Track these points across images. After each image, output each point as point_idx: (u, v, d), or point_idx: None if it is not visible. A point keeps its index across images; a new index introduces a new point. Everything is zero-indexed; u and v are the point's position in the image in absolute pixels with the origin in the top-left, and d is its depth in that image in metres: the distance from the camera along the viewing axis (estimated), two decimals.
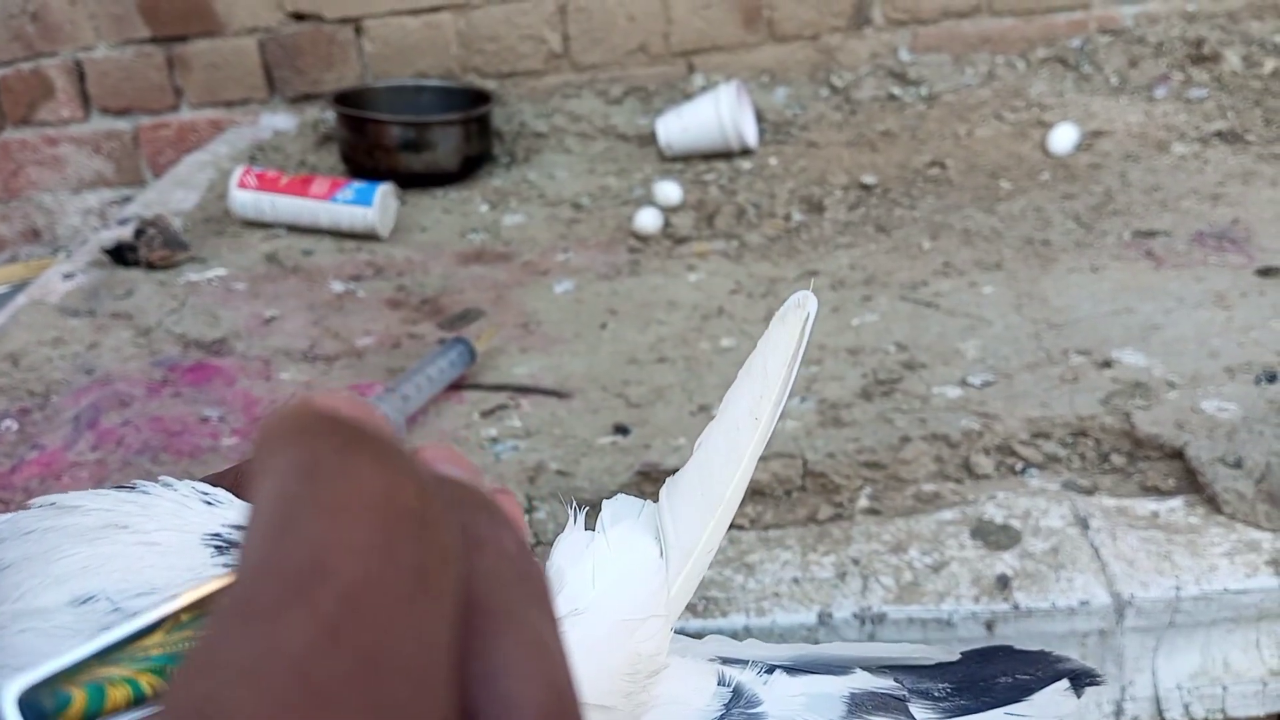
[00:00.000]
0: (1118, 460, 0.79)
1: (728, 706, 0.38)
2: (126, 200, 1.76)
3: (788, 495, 0.78)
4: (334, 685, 0.15)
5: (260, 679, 0.14)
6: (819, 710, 0.38)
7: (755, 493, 0.78)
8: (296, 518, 0.16)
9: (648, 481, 0.80)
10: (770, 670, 0.42)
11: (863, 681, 0.42)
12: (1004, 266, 1.11)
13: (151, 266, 1.27)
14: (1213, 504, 0.72)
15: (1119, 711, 0.69)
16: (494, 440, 0.88)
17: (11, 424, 0.95)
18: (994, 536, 0.72)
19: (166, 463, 0.89)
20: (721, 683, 0.40)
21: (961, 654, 0.48)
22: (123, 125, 1.83)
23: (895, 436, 0.81)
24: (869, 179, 1.39)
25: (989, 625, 0.68)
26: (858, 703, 0.39)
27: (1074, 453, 0.80)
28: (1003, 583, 0.69)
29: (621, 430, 0.87)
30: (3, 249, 1.90)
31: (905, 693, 0.40)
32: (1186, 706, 0.68)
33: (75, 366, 1.06)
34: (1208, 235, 1.11)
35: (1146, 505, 0.73)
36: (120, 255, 1.27)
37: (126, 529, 0.28)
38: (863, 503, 0.77)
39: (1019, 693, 0.40)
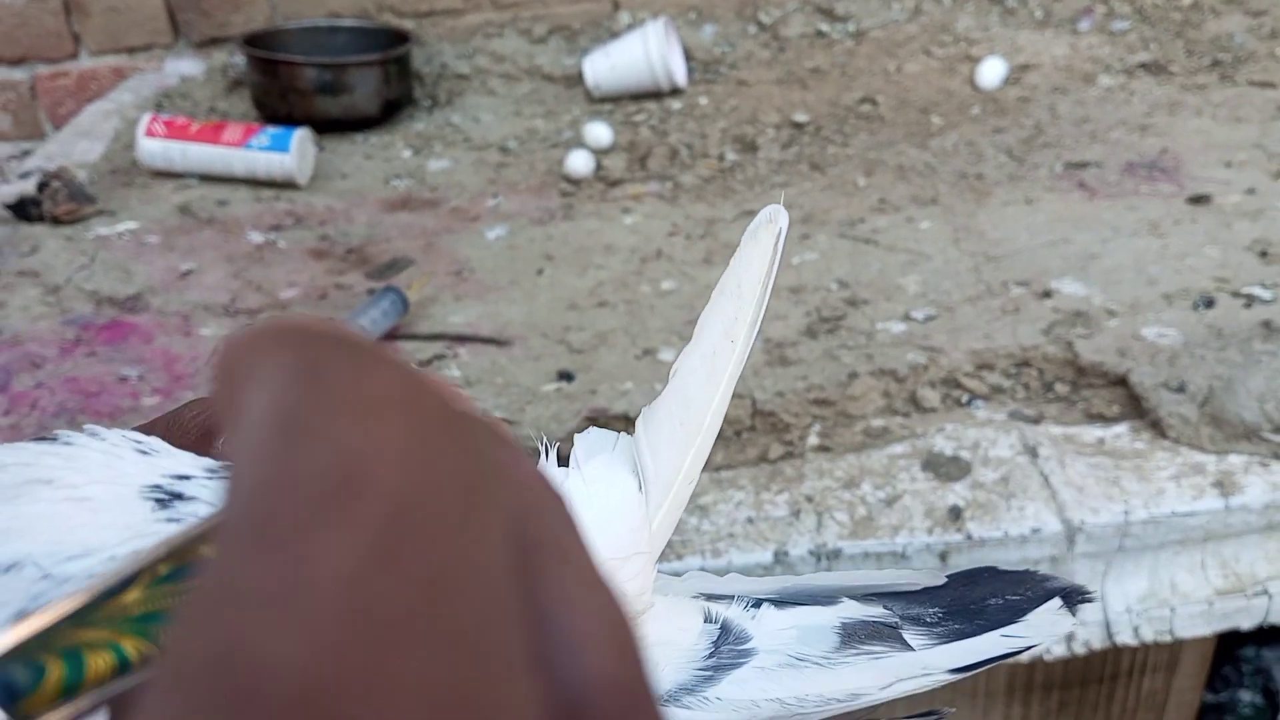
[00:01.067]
0: (1062, 389, 0.79)
1: (716, 644, 0.36)
2: (26, 154, 1.66)
3: (738, 436, 0.77)
4: (394, 614, 0.12)
5: (299, 612, 0.12)
6: (811, 642, 0.37)
7: None
8: (310, 422, 0.13)
9: (597, 427, 0.78)
10: (757, 604, 0.40)
11: (852, 610, 0.41)
12: (940, 201, 1.11)
13: (57, 221, 1.20)
14: (1158, 429, 0.73)
15: (1069, 636, 0.70)
16: None
17: None
18: (944, 468, 0.72)
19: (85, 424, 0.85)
20: (708, 619, 0.38)
21: (948, 577, 0.47)
22: (18, 75, 1.72)
23: (842, 373, 0.80)
24: (801, 117, 1.37)
25: (943, 556, 0.68)
26: (850, 632, 0.38)
27: (1018, 383, 0.80)
28: (955, 514, 0.69)
29: (566, 376, 0.85)
30: None
31: (897, 619, 0.39)
32: (1136, 629, 0.69)
33: None
34: (1138, 165, 1.12)
35: (1093, 432, 0.74)
36: (23, 210, 1.20)
37: (50, 484, 0.25)
38: (813, 440, 0.76)
39: (1012, 614, 0.39)
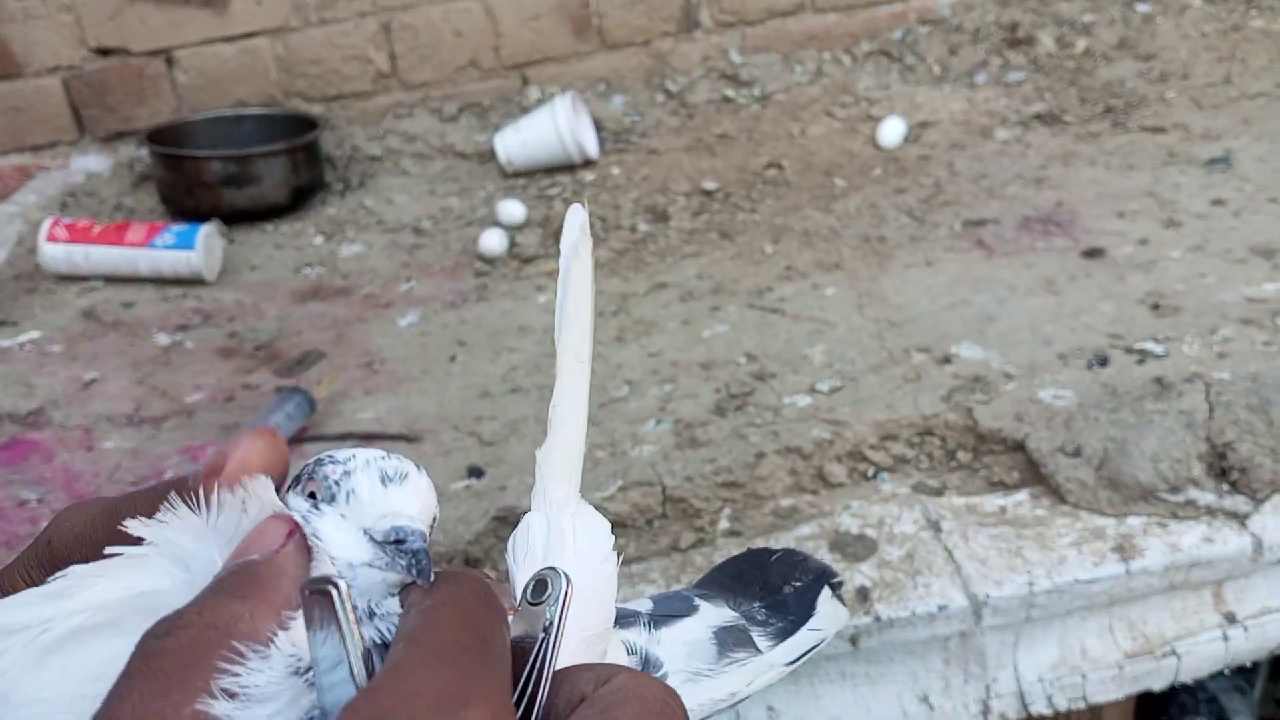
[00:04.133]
0: (963, 457, 0.80)
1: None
2: None
3: (649, 525, 0.77)
4: None
5: None
6: (700, 656, 0.43)
7: (616, 524, 0.76)
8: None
9: (505, 526, 0.77)
10: (650, 624, 0.46)
11: (714, 617, 0.47)
12: (844, 266, 1.12)
13: None
14: (1057, 494, 0.74)
15: (985, 710, 0.70)
16: None
17: None
18: (851, 548, 0.72)
19: None
20: (630, 651, 0.44)
21: (728, 562, 0.54)
22: None
23: (750, 453, 0.81)
24: (710, 184, 1.39)
25: (853, 640, 0.68)
26: (721, 641, 0.44)
27: (921, 452, 0.81)
28: (863, 595, 0.69)
29: (476, 473, 0.84)
30: None
31: (744, 622, 0.46)
32: (1050, 698, 0.70)
33: None
34: (1034, 220, 1.15)
35: (994, 501, 0.75)
36: None
37: None
38: (724, 524, 0.76)
39: (808, 606, 0.48)
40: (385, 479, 0.31)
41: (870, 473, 0.80)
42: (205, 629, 0.25)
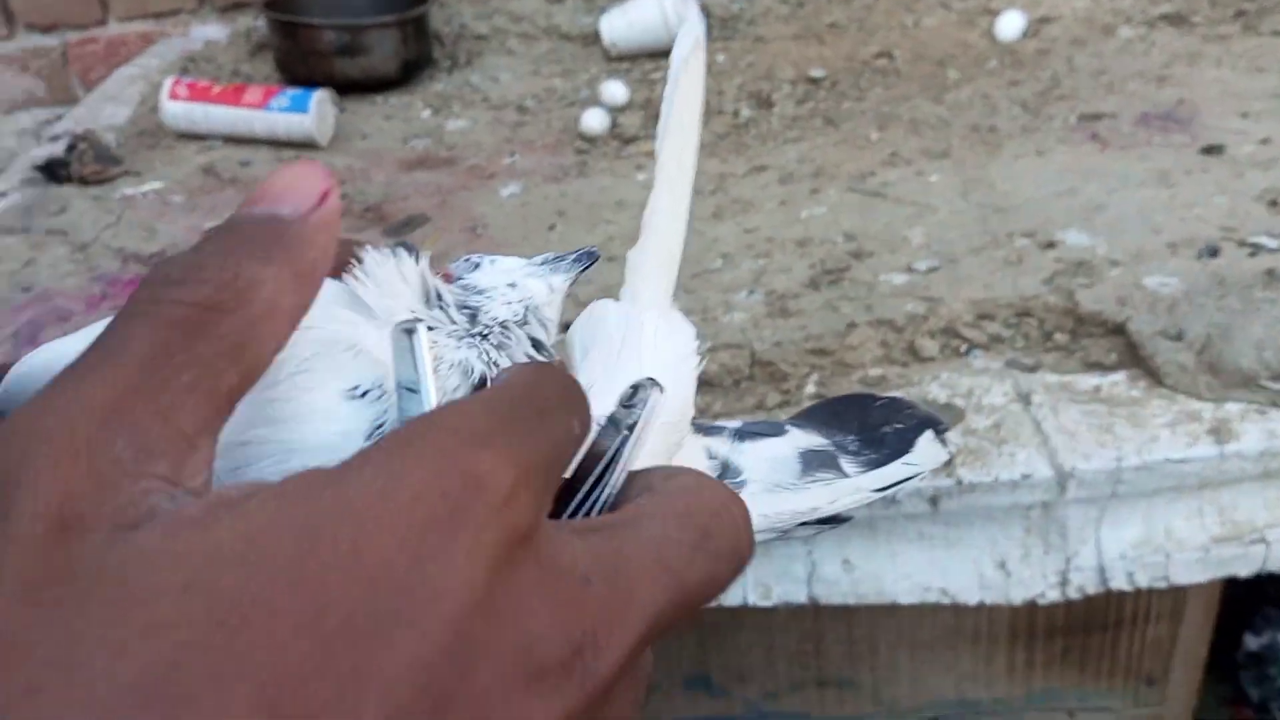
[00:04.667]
0: (1061, 338, 0.79)
1: (720, 479, 0.41)
2: (59, 119, 1.69)
3: (736, 385, 0.78)
4: None
5: None
6: (783, 472, 0.44)
7: (703, 383, 0.78)
8: None
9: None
10: (737, 436, 0.47)
11: (802, 441, 0.48)
12: (951, 154, 1.10)
13: (85, 182, 1.23)
14: (1154, 377, 0.73)
15: (1064, 581, 0.71)
16: None
17: None
18: (938, 414, 0.73)
19: None
20: (711, 456, 0.45)
21: (823, 403, 0.58)
22: (50, 42, 1.75)
23: (841, 323, 0.81)
24: (817, 72, 1.37)
25: (933, 501, 0.69)
26: (807, 461, 0.45)
27: (1018, 333, 0.80)
28: (947, 458, 0.69)
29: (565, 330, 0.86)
30: None
31: (833, 448, 0.47)
32: (1131, 574, 0.70)
33: (12, 284, 1.03)
34: (1153, 116, 1.11)
35: (1089, 380, 0.74)
36: (52, 172, 1.23)
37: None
38: (810, 388, 0.77)
39: (905, 443, 0.48)
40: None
41: (963, 349, 0.80)
42: (223, 289, 0.21)
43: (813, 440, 0.48)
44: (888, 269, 0.89)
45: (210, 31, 1.69)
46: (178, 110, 1.34)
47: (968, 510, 0.69)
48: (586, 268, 0.35)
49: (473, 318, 0.33)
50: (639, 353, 0.37)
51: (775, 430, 0.49)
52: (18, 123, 1.76)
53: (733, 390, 0.78)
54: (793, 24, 1.52)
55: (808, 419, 0.52)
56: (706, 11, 1.54)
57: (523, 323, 0.33)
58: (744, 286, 0.90)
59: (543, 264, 0.34)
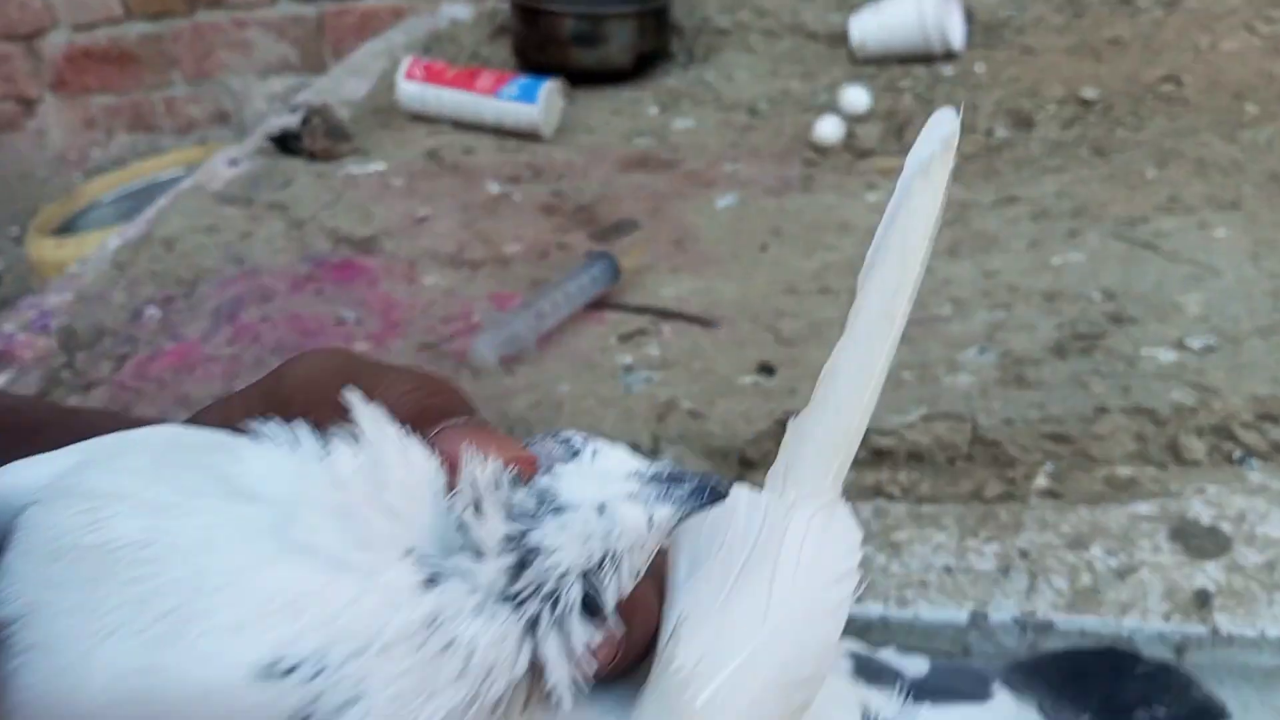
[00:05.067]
0: None
1: None
2: (305, 89, 1.76)
3: (950, 464, 0.68)
4: None
5: None
6: None
7: (912, 456, 0.68)
8: None
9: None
10: (913, 694, 0.36)
11: (1007, 711, 0.37)
12: (1242, 206, 0.94)
13: (313, 157, 1.24)
14: None
15: None
16: (628, 369, 0.81)
17: (155, 312, 0.95)
18: (1197, 541, 0.60)
19: None
20: (865, 718, 0.34)
21: (1066, 653, 0.43)
22: (308, 10, 1.82)
23: (1089, 405, 0.69)
24: (1089, 93, 1.21)
25: (1179, 650, 0.56)
26: None
27: None
28: (1202, 599, 0.57)
29: (766, 370, 0.78)
30: (193, 131, 1.95)
31: None
32: None
33: (226, 256, 1.05)
34: None
35: None
36: (285, 144, 1.26)
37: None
38: (1040, 482, 0.66)
39: None
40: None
41: (1236, 455, 0.66)
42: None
43: (1023, 713, 0.37)
44: (1153, 342, 0.76)
45: (457, 10, 1.70)
46: (412, 91, 1.35)
47: (1219, 666, 0.56)
48: (706, 507, 0.24)
49: (520, 566, 0.23)
50: (771, 571, 0.27)
51: (976, 690, 0.37)
52: (270, 87, 1.85)
53: (945, 471, 0.68)
54: (1067, 36, 1.36)
55: (1030, 677, 0.39)
56: (969, 15, 1.40)
57: (596, 570, 0.23)
58: (975, 342, 0.78)
59: (653, 480, 0.24)
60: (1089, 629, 0.57)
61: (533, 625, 0.22)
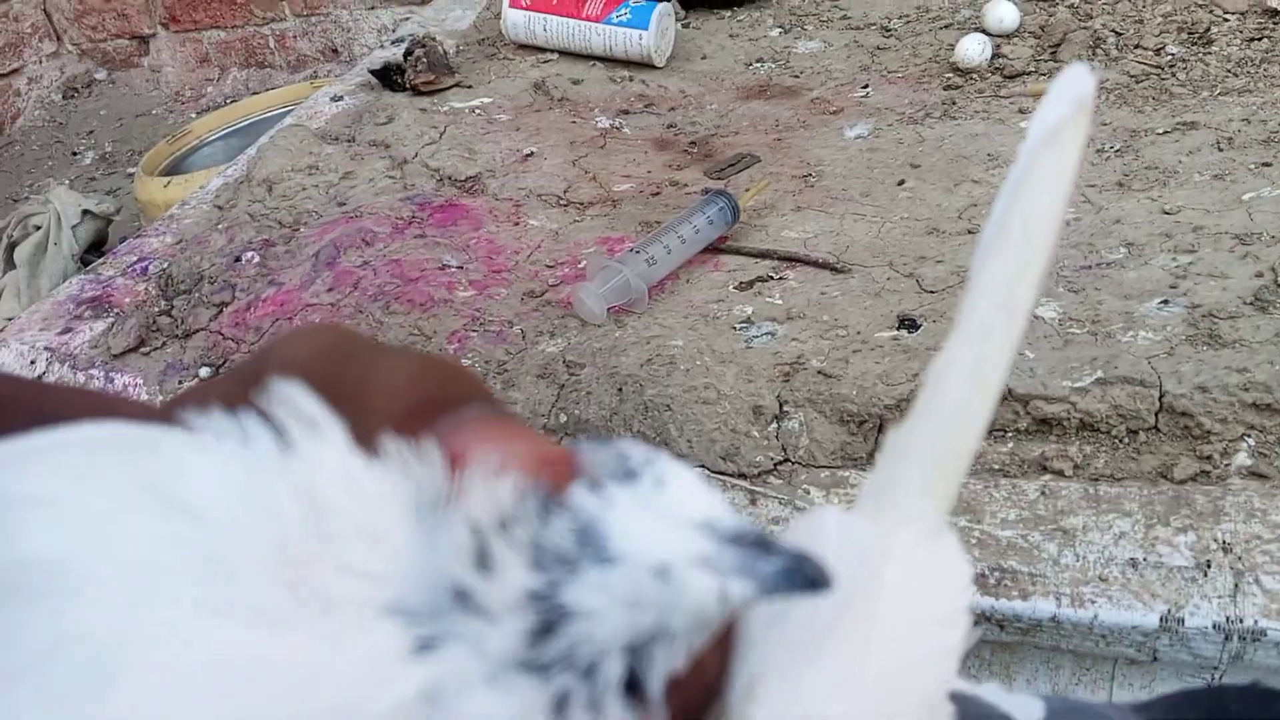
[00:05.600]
0: None
1: None
2: (408, 20, 1.70)
3: (1132, 436, 0.58)
4: None
5: None
6: None
7: (1085, 427, 0.59)
8: None
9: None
10: None
11: None
12: None
13: (417, 91, 1.18)
14: None
15: None
16: (747, 322, 0.73)
17: (254, 256, 0.91)
18: None
19: (398, 313, 0.82)
20: None
21: (1189, 694, 0.37)
22: None
23: None
24: (1277, 1, 1.05)
25: None
26: None
27: None
28: None
29: (908, 324, 0.69)
30: (305, 66, 1.92)
31: None
32: None
33: (327, 198, 1.00)
34: None
35: None
36: (387, 78, 1.20)
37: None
38: (1243, 459, 0.55)
39: None
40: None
41: None
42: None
43: None
44: None
45: None
46: (518, 19, 1.27)
47: None
48: (797, 594, 0.18)
49: (544, 630, 0.16)
50: (867, 614, 0.22)
51: None
52: (378, 19, 1.79)
53: (1126, 443, 0.58)
54: None
55: (1168, 714, 0.32)
56: None
57: (643, 645, 0.17)
58: (1156, 294, 0.68)
59: (734, 541, 0.17)
60: None
61: (560, 705, 0.17)
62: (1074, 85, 0.25)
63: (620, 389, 0.68)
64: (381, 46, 1.38)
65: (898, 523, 0.24)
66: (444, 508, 0.17)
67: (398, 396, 0.20)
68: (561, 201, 0.97)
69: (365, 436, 0.17)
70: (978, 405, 0.24)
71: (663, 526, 0.17)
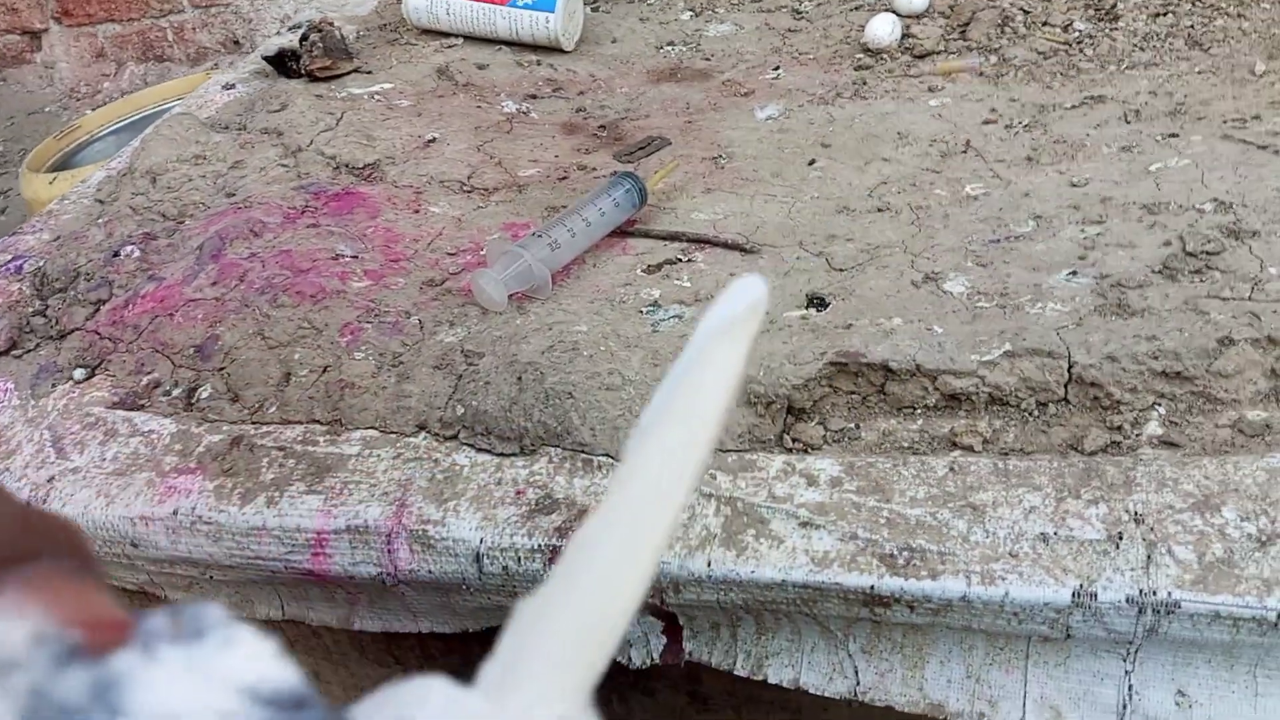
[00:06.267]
0: None
1: None
2: (309, 6, 1.64)
3: (1041, 409, 0.57)
4: None
5: None
6: None
7: (994, 401, 0.57)
8: None
9: (843, 377, 0.60)
10: None
11: None
12: None
13: (313, 77, 1.14)
14: None
15: None
16: (655, 305, 0.70)
17: (134, 250, 0.86)
18: None
19: (286, 306, 0.77)
20: None
21: None
22: None
23: (1210, 336, 0.57)
24: None
25: None
26: None
27: None
28: None
29: (817, 303, 0.67)
30: (205, 59, 1.85)
31: None
32: None
33: (215, 188, 0.95)
34: None
35: None
36: (282, 64, 1.15)
37: None
38: (1153, 429, 0.54)
39: None
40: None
41: None
42: None
43: None
44: None
45: None
46: (420, 3, 1.23)
47: None
48: None
49: None
50: None
51: None
52: (281, 8, 1.73)
53: (1036, 416, 0.56)
54: None
55: None
56: None
57: None
58: (1065, 265, 0.66)
59: (270, 703, 0.17)
60: (1224, 610, 0.46)
61: None
62: (750, 290, 0.26)
63: (520, 378, 0.64)
64: (278, 34, 1.33)
65: (532, 703, 0.21)
66: None
67: None
68: (465, 188, 0.93)
69: None
70: (631, 578, 0.23)
71: (198, 686, 0.16)
